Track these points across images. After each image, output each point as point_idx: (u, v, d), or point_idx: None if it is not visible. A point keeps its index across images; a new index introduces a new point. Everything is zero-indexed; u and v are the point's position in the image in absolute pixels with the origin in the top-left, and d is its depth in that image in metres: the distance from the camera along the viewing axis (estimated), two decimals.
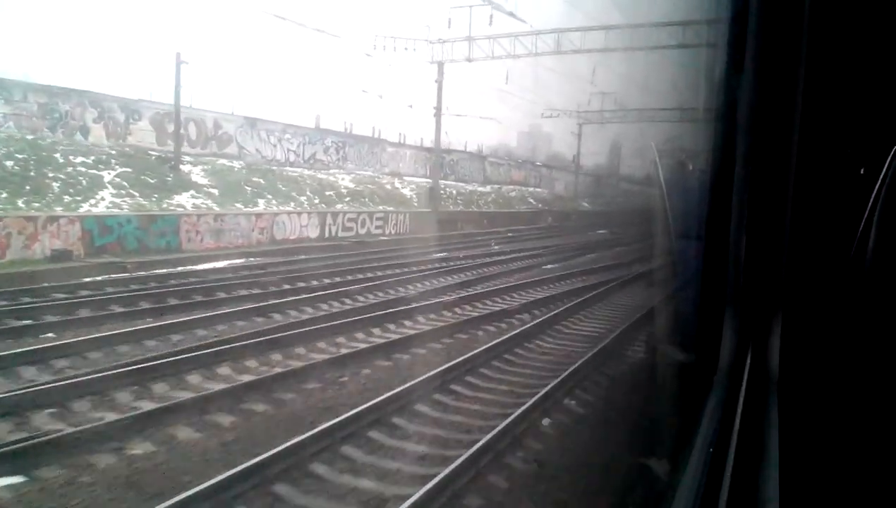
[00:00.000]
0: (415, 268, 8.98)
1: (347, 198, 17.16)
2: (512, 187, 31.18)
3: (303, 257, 9.88)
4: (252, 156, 17.11)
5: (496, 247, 13.29)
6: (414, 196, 20.00)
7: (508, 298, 6.84)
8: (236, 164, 15.46)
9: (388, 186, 20.44)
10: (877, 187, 1.09)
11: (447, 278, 8.26)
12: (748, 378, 1.12)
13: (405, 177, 22.32)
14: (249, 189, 14.18)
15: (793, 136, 1.19)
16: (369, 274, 8.27)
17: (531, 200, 29.71)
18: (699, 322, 1.43)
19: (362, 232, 14.40)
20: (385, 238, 14.30)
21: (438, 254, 11.03)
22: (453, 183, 26.40)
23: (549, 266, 10.44)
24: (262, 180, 15.06)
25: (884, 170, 1.09)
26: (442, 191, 22.84)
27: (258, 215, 12.20)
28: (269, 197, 14.38)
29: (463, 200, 23.53)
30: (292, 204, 14.62)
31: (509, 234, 16.91)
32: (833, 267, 1.21)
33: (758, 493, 0.81)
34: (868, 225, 1.09)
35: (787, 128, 1.19)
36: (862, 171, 1.47)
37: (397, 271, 8.74)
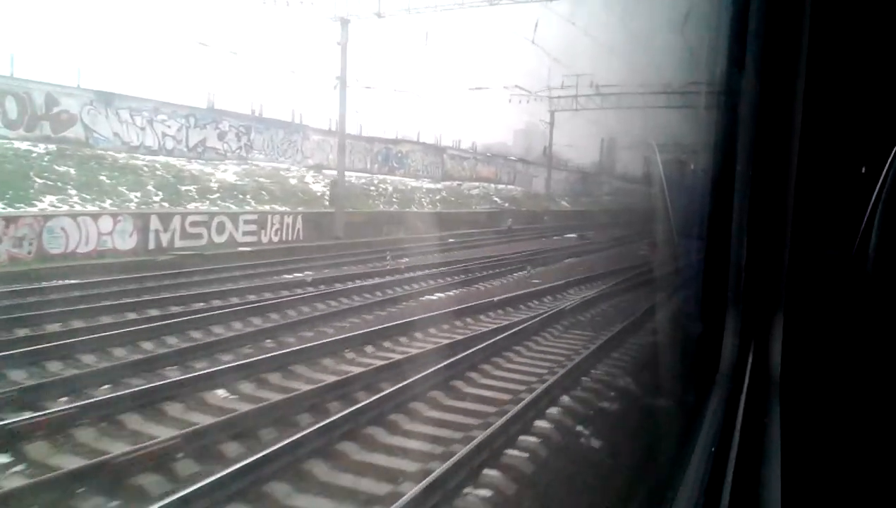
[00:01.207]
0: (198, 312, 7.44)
1: (215, 196, 16.66)
2: (476, 184, 33.56)
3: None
4: (108, 142, 16.36)
5: (404, 262, 13.01)
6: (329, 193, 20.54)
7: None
8: (41, 148, 14.14)
9: (294, 181, 20.30)
10: (878, 186, 1.47)
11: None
12: (750, 377, 1.44)
13: (326, 171, 22.62)
14: (41, 181, 12.88)
15: (794, 135, 1.55)
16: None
17: (496, 199, 31.99)
18: (701, 322, 1.79)
19: (220, 239, 13.65)
20: (250, 249, 13.65)
21: (289, 277, 10.61)
22: (398, 178, 27.66)
23: (450, 293, 9.81)
24: (71, 169, 14.00)
25: (885, 168, 1.47)
26: (372, 188, 23.69)
27: (10, 219, 10.28)
28: (75, 192, 13.25)
29: (400, 199, 24.31)
30: (109, 201, 13.67)
31: (450, 240, 17.66)
32: (834, 267, 1.58)
33: (760, 493, 1.04)
34: (870, 224, 1.46)
35: (788, 127, 1.56)
36: (863, 170, 1.90)
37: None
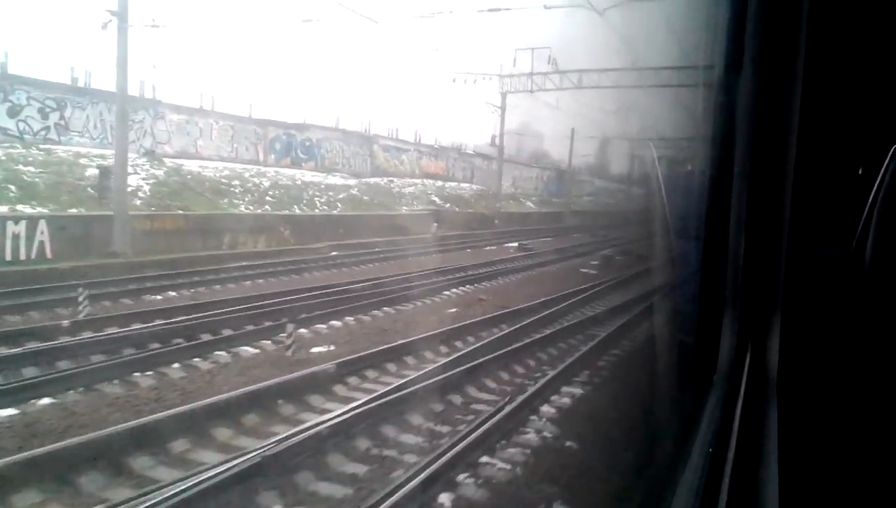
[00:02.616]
0: None
1: None
2: (416, 182, 35.78)
3: None
4: None
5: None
6: (146, 187, 19.72)
7: None
8: None
9: (92, 171, 18.95)
10: (875, 187, 2.02)
11: None
12: (747, 377, 1.93)
13: (176, 160, 22.85)
14: None
15: (791, 136, 2.09)
16: None
17: (436, 199, 34.30)
18: (698, 322, 2.31)
19: None
20: None
21: None
22: (300, 171, 28.60)
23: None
24: None
25: (882, 169, 2.02)
26: (237, 183, 23.69)
27: None
28: None
29: (277, 198, 24.70)
30: None
31: (290, 260, 17.45)
32: (832, 267, 2.13)
33: (757, 493, 1.38)
34: (867, 224, 2.00)
35: (785, 127, 2.09)
36: (860, 171, 2.57)
37: None
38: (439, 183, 38.85)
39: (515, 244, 25.17)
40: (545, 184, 54.92)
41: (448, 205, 34.42)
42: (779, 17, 2.11)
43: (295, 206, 25.22)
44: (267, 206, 23.80)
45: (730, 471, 1.50)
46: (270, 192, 25.08)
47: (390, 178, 34.94)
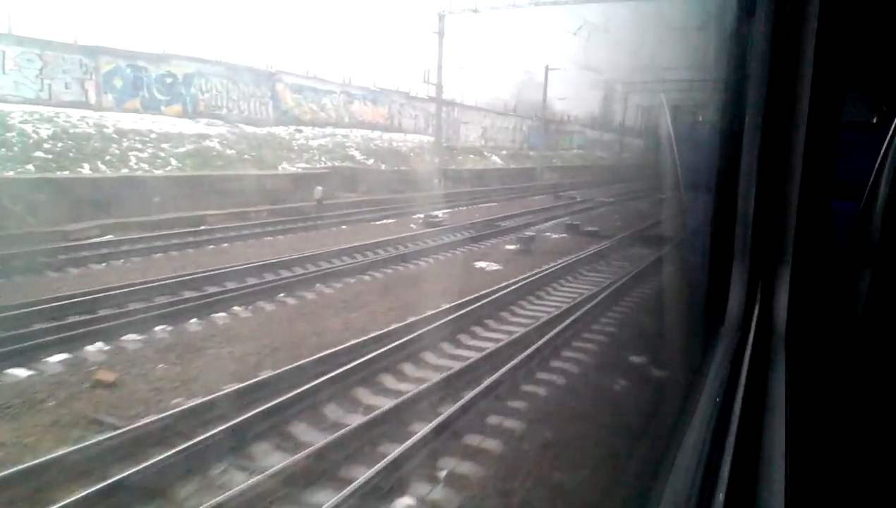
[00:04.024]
0: None
1: None
2: (339, 132, 37.46)
3: None
4: None
5: None
6: None
7: None
8: None
9: None
10: (889, 135, 2.74)
11: None
12: (756, 328, 2.63)
13: None
14: None
15: (804, 85, 2.75)
16: None
17: (356, 154, 36.18)
18: (708, 273, 3.04)
19: None
20: None
21: None
22: (154, 117, 28.53)
23: None
24: None
25: (895, 121, 2.73)
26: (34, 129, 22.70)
27: None
28: None
29: (61, 151, 23.73)
30: None
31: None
32: (842, 219, 2.86)
33: (763, 442, 1.88)
34: (878, 176, 2.72)
35: (798, 75, 2.74)
36: (874, 120, 3.41)
37: None
38: (377, 133, 40.32)
39: (422, 216, 26.15)
40: (525, 136, 58.60)
41: (372, 161, 35.70)
42: None
43: (87, 164, 24.35)
44: (31, 165, 22.62)
45: (737, 421, 2.02)
46: (48, 144, 23.97)
47: (299, 127, 35.57)
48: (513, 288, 14.29)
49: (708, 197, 3.40)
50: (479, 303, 12.81)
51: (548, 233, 24.10)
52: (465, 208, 30.68)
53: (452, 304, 12.83)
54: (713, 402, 2.34)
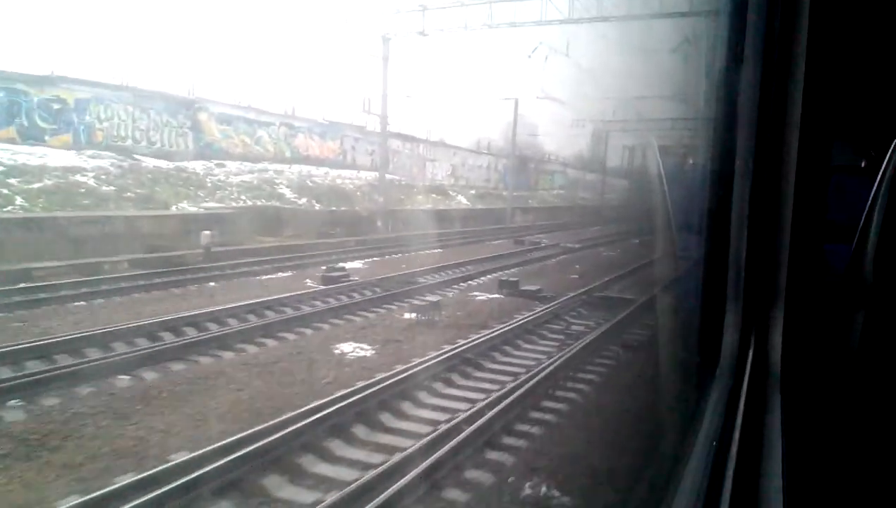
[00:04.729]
0: None
1: None
2: (273, 167, 38.15)
3: None
4: None
5: None
6: None
7: None
8: None
9: None
10: (878, 180, 3.23)
11: None
12: (750, 371, 3.08)
13: None
14: None
15: (794, 128, 3.22)
16: None
17: (287, 191, 36.61)
18: (701, 315, 3.52)
19: None
20: None
21: None
22: (43, 149, 27.86)
23: None
24: None
25: (885, 162, 3.23)
26: None
27: None
28: None
29: None
30: None
31: None
32: (835, 261, 3.34)
33: (761, 486, 2.12)
34: (869, 218, 3.20)
35: (787, 120, 3.23)
36: (863, 165, 4.07)
37: None
38: (323, 170, 41.22)
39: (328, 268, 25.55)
40: (501, 175, 61.19)
41: (304, 200, 36.17)
42: (781, 8, 3.26)
43: None
44: None
45: (734, 464, 2.29)
46: None
47: (220, 162, 35.70)
48: (368, 393, 11.58)
49: (699, 239, 3.97)
50: (281, 433, 9.73)
51: (475, 293, 23.08)
52: (395, 257, 30.96)
53: (226, 442, 9.46)
54: (709, 446, 2.69)
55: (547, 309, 19.68)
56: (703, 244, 3.93)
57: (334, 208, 36.87)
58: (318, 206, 36.24)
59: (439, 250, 33.63)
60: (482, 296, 22.47)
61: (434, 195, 46.71)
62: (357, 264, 27.48)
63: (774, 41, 3.34)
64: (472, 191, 55.15)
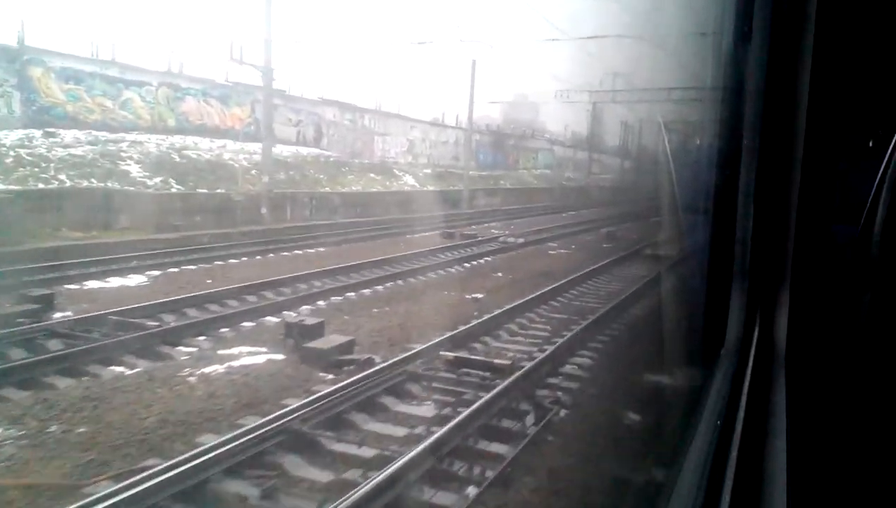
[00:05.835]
0: None
1: None
2: (134, 137, 37.16)
3: None
4: None
5: None
6: None
7: None
8: None
9: None
10: (885, 162, 4.05)
11: None
12: (756, 351, 3.88)
13: None
14: None
15: (801, 109, 4.04)
16: None
17: (136, 169, 35.10)
18: (707, 296, 4.43)
19: None
20: None
21: None
22: None
23: None
24: None
25: (891, 144, 4.05)
26: None
27: None
28: None
29: None
30: None
31: None
32: (840, 242, 4.18)
33: (764, 465, 2.89)
34: (876, 199, 4.03)
35: (795, 99, 4.06)
36: (870, 144, 5.01)
37: None
38: (220, 143, 40.29)
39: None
40: (473, 152, 61.66)
41: (159, 180, 35.20)
42: None
43: None
44: None
45: (738, 443, 2.75)
46: None
47: (54, 131, 34.04)
48: None
49: (706, 218, 4.76)
50: None
51: (226, 352, 14.99)
52: (221, 264, 26.82)
53: None
54: (714, 425, 3.26)
55: (318, 404, 11.30)
56: (708, 223, 4.70)
57: (198, 191, 34.87)
58: (174, 189, 34.29)
59: (319, 249, 31.89)
60: (220, 368, 14.09)
61: (372, 175, 46.67)
62: (141, 278, 22.55)
63: (783, 16, 4.08)
64: (428, 171, 55.67)
